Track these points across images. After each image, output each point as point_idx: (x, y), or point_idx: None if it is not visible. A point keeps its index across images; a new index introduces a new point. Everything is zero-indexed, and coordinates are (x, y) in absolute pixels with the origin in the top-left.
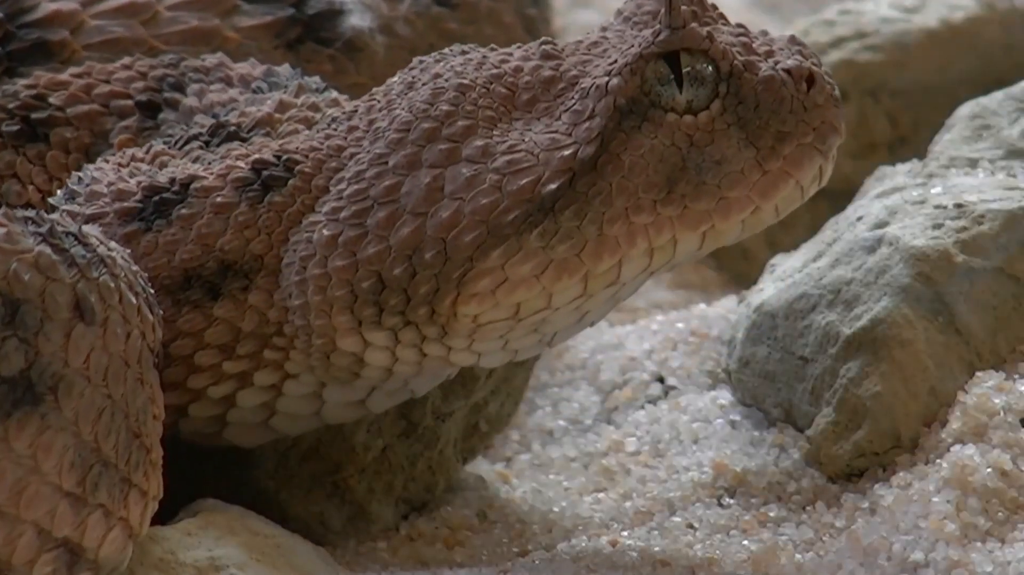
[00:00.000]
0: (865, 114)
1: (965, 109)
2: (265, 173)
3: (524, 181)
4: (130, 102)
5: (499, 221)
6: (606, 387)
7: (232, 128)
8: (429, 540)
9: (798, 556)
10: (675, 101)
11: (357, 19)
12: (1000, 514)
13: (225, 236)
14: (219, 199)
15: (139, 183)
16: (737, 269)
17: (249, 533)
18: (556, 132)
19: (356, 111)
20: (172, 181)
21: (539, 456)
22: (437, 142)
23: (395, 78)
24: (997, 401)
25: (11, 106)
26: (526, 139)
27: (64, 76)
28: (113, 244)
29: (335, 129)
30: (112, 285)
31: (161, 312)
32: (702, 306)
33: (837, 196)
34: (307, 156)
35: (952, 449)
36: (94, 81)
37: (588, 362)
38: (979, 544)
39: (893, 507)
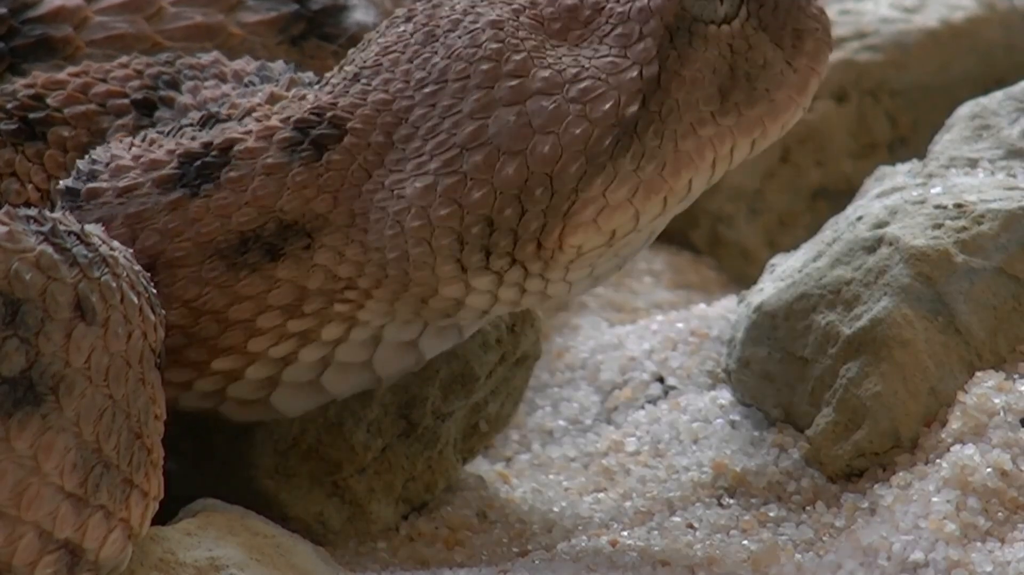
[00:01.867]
0: (865, 114)
1: (965, 109)
2: (314, 132)
3: (607, 106)
4: (126, 101)
5: (595, 149)
6: (606, 387)
7: (223, 118)
8: (429, 540)
9: (798, 556)
10: (716, 13)
11: (361, 14)
12: (1000, 514)
13: (283, 197)
14: (269, 160)
15: (170, 151)
16: (737, 269)
17: (249, 533)
18: (610, 56)
19: (379, 65)
20: (208, 145)
21: (539, 456)
22: (502, 80)
23: (397, 29)
24: (997, 401)
25: (9, 106)
26: (584, 66)
27: (62, 76)
28: (115, 243)
29: (368, 84)
30: (113, 285)
31: (217, 277)
32: (702, 306)
33: (837, 196)
34: (352, 113)
35: (952, 449)
36: (91, 80)
37: (588, 362)
38: (979, 544)
39: (893, 507)
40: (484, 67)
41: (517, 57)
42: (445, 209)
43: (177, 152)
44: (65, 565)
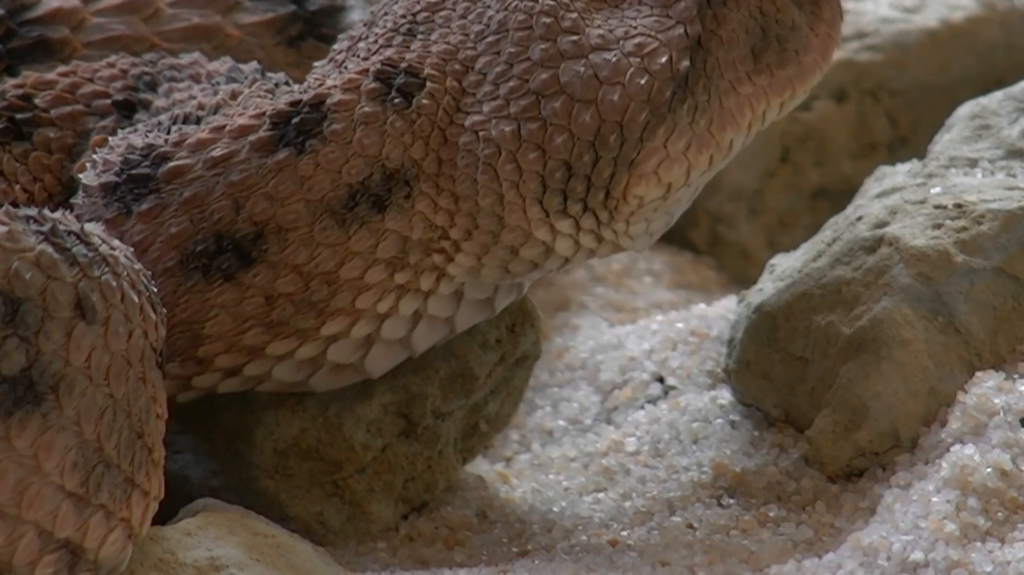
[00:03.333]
0: (865, 114)
1: (965, 109)
2: (398, 80)
3: (663, 60)
4: (109, 101)
5: (658, 99)
6: (606, 387)
7: (189, 114)
8: (429, 540)
9: (798, 556)
10: None
11: (359, 15)
12: (1000, 514)
13: (386, 145)
14: (366, 109)
15: (256, 115)
16: (737, 269)
17: (249, 533)
18: (653, 16)
19: (431, 22)
20: (297, 103)
21: (539, 456)
22: (564, 34)
23: None
24: (997, 401)
25: None
26: (633, 24)
27: (51, 76)
28: (116, 242)
29: (427, 37)
30: (114, 284)
31: (328, 236)
32: (702, 306)
33: (837, 196)
34: (423, 62)
35: (952, 449)
36: (79, 80)
37: (588, 362)
38: (979, 544)
39: (893, 507)
40: (545, 20)
41: (571, 16)
42: (532, 153)
43: (268, 114)
44: (65, 565)
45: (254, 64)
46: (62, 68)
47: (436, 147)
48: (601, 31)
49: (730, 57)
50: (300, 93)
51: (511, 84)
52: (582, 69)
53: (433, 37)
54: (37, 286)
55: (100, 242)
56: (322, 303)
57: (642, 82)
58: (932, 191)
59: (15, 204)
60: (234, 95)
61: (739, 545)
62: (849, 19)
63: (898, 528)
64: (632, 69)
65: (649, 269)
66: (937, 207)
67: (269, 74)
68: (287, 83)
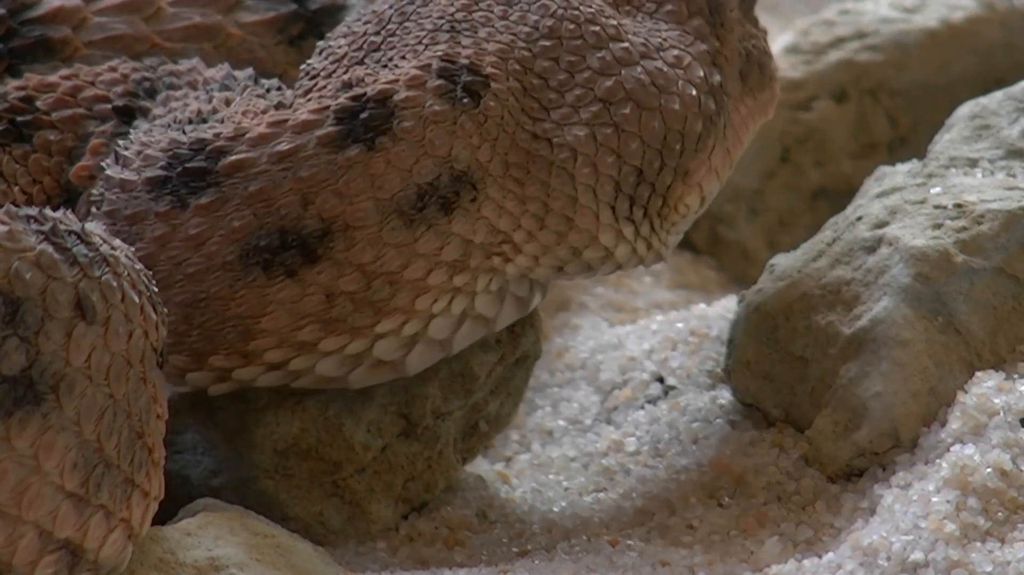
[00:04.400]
0: (865, 114)
1: (965, 109)
2: (462, 78)
3: (700, 73)
4: (109, 106)
5: (707, 111)
6: (606, 387)
7: (191, 119)
8: (429, 540)
9: (798, 556)
10: (729, 1)
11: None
12: (1000, 514)
13: (454, 146)
14: (436, 108)
15: (319, 108)
16: (737, 269)
17: (249, 533)
18: (674, 30)
19: (471, 20)
20: (360, 98)
21: (539, 456)
22: (612, 41)
23: None
24: (997, 401)
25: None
26: (661, 36)
27: (53, 78)
28: (116, 242)
29: (473, 35)
30: (114, 284)
31: (396, 236)
32: (702, 306)
33: (837, 196)
34: (481, 59)
35: (952, 449)
36: (82, 83)
37: (588, 362)
38: (979, 544)
39: (893, 507)
40: (593, 28)
41: (612, 22)
42: (609, 157)
43: (332, 108)
44: (65, 565)
45: (249, 71)
46: (64, 71)
47: (503, 151)
48: (640, 39)
49: (732, 73)
50: (361, 87)
51: (576, 92)
52: (642, 76)
53: (481, 35)
54: (37, 286)
55: (101, 242)
56: (381, 302)
57: (692, 93)
58: (932, 191)
59: (16, 204)
60: (228, 102)
61: (739, 545)
62: (849, 19)
63: (898, 528)
64: (680, 80)
65: (649, 269)
66: (937, 207)
67: (262, 80)
68: (279, 88)
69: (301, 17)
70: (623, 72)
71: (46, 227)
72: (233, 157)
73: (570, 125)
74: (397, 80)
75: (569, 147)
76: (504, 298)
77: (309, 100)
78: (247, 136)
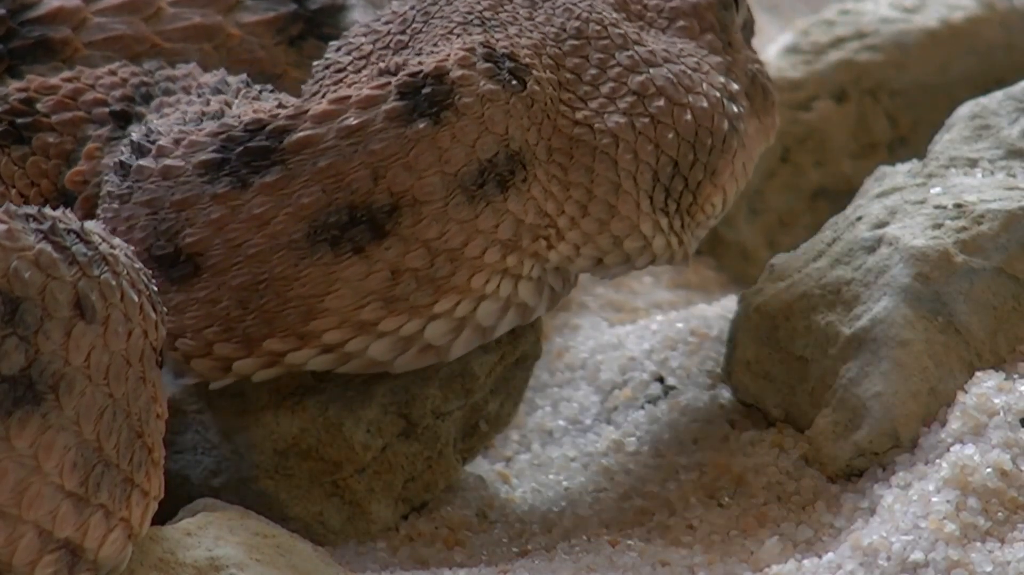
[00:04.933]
0: (865, 114)
1: (965, 109)
2: (506, 64)
3: (721, 79)
4: (107, 110)
5: (730, 112)
6: (606, 387)
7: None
8: (429, 540)
9: (798, 556)
10: (735, 19)
11: (360, 14)
12: (1000, 514)
13: (510, 126)
14: (489, 87)
15: (380, 84)
16: (737, 269)
17: (249, 533)
18: (687, 44)
19: (498, 17)
20: (418, 75)
21: (539, 456)
22: (636, 44)
23: None
24: (997, 401)
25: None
26: (677, 48)
27: (54, 80)
28: (116, 241)
29: (503, 31)
30: (113, 283)
31: (460, 212)
32: (702, 306)
33: (837, 196)
34: (517, 50)
35: (952, 449)
36: (82, 86)
37: (588, 362)
38: (979, 544)
39: (893, 507)
40: (618, 31)
41: (634, 28)
42: (648, 146)
43: (394, 84)
44: (65, 565)
45: (242, 76)
46: (66, 73)
47: (547, 135)
48: (660, 46)
49: (741, 90)
50: (415, 66)
51: (611, 85)
52: (669, 75)
53: (511, 31)
54: (36, 285)
55: (100, 241)
56: (441, 280)
57: (717, 95)
58: (932, 191)
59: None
60: (228, 104)
61: (739, 545)
62: (849, 19)
63: (898, 528)
64: (704, 83)
65: (649, 269)
66: (937, 207)
67: (255, 85)
68: (271, 90)
69: (301, 17)
70: (651, 71)
71: (45, 226)
72: (300, 134)
73: (609, 113)
74: (448, 59)
75: (611, 133)
76: (543, 288)
77: (341, 87)
78: (310, 114)
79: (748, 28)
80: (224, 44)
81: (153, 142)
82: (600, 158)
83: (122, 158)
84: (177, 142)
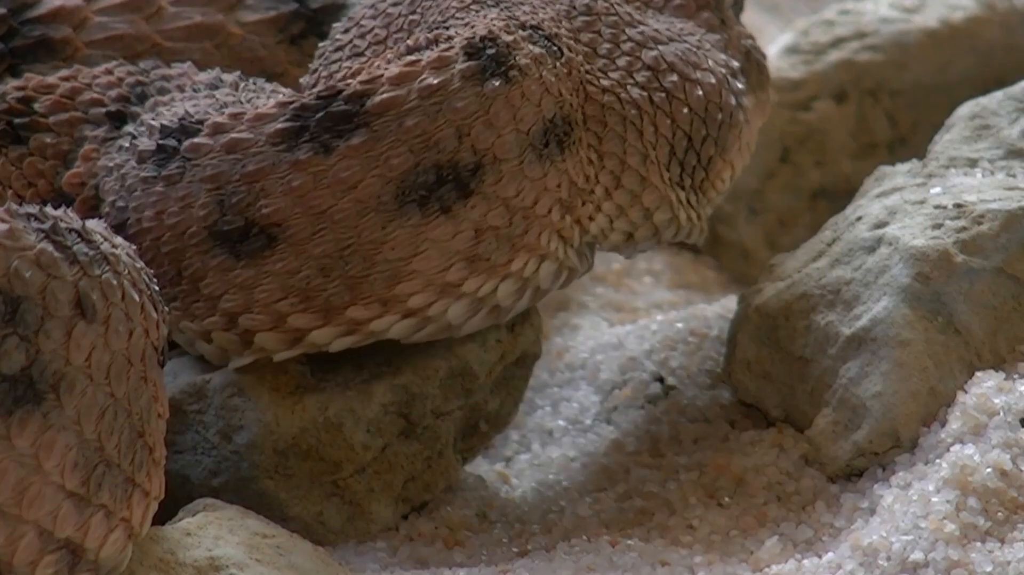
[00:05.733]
0: (865, 114)
1: (965, 109)
2: (539, 33)
3: (722, 56)
4: (103, 111)
5: (735, 88)
6: (606, 387)
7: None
8: (429, 540)
9: (798, 556)
10: (726, 0)
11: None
12: (1000, 514)
13: (561, 88)
14: (536, 51)
15: (447, 47)
16: (737, 269)
17: (249, 533)
18: (685, 23)
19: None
20: (474, 38)
21: (539, 456)
22: (641, 24)
23: None
24: (997, 401)
25: None
26: (676, 28)
27: (52, 79)
28: (118, 240)
29: (519, 7)
30: (114, 282)
31: (532, 170)
32: (702, 306)
33: (837, 196)
34: (540, 22)
35: (952, 449)
36: (79, 86)
37: (588, 362)
38: (979, 544)
39: (893, 507)
40: (624, 9)
41: (637, 11)
42: (666, 119)
43: (459, 46)
44: (66, 565)
45: (236, 73)
46: (64, 72)
47: (581, 102)
48: (663, 26)
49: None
50: (470, 28)
51: (627, 59)
52: (674, 50)
53: (525, 9)
54: (37, 285)
55: (101, 240)
56: (517, 238)
57: (722, 71)
58: (932, 191)
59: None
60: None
61: (739, 545)
62: (849, 19)
63: (898, 528)
64: (708, 60)
65: (649, 269)
66: (937, 207)
67: (250, 80)
68: (265, 82)
69: (302, 16)
70: (660, 47)
71: (46, 225)
72: (382, 96)
73: (630, 85)
74: (491, 24)
75: (635, 103)
76: (582, 257)
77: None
78: (386, 76)
79: (738, 4)
80: (225, 43)
81: (199, 122)
82: (629, 128)
83: (159, 142)
84: (235, 117)
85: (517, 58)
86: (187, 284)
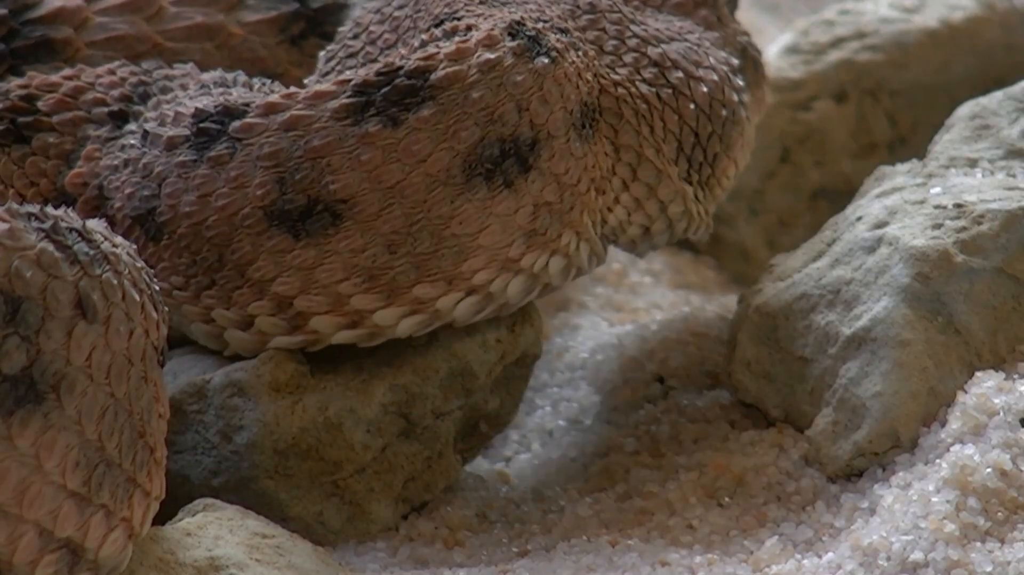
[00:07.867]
0: (865, 114)
1: (965, 109)
2: (556, 26)
3: (722, 54)
4: (106, 110)
5: (736, 85)
6: (606, 387)
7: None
8: (429, 540)
9: (798, 556)
10: None
11: (360, 14)
12: (1000, 514)
13: (587, 75)
14: (562, 39)
15: (490, 27)
16: (737, 269)
17: (249, 533)
18: (685, 21)
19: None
20: (510, 23)
21: (539, 456)
22: (641, 23)
23: None
24: (997, 401)
25: (0, 107)
26: (676, 26)
27: (55, 78)
28: (118, 239)
29: (522, 6)
30: (115, 282)
31: (577, 148)
32: (702, 306)
33: (837, 196)
34: (549, 19)
35: (952, 449)
36: (82, 85)
37: (588, 362)
38: (979, 544)
39: (893, 507)
40: (627, 8)
41: (632, 9)
42: (673, 115)
43: (501, 28)
44: (66, 564)
45: (239, 72)
46: (67, 71)
47: (597, 93)
48: (663, 24)
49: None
50: (491, 20)
51: (633, 55)
52: (678, 48)
53: (531, 8)
54: (38, 285)
55: (102, 239)
56: (566, 214)
57: (724, 68)
58: (932, 191)
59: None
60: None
61: (739, 545)
62: (849, 19)
63: (898, 528)
64: (708, 58)
65: (649, 269)
66: (937, 207)
67: (254, 79)
68: (275, 83)
69: (303, 16)
70: (663, 45)
71: (47, 225)
72: (445, 70)
73: (639, 81)
74: (514, 16)
75: (645, 98)
76: (602, 247)
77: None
78: (441, 54)
79: (732, 1)
80: (226, 43)
81: (245, 104)
82: (642, 122)
83: (199, 125)
84: (289, 96)
85: (552, 42)
86: (230, 270)
